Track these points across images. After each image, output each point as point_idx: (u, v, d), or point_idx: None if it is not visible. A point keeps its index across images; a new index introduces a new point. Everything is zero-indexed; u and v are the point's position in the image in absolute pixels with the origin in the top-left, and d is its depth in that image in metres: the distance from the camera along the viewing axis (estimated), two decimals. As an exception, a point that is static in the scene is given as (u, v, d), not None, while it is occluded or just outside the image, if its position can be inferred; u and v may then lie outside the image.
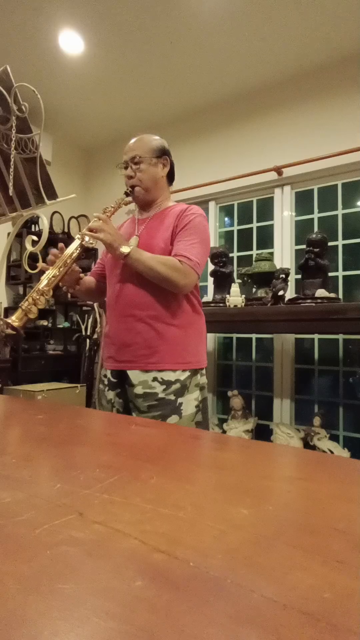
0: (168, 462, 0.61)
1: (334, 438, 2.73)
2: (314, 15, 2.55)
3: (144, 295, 1.31)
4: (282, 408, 3.05)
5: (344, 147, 2.81)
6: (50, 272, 1.25)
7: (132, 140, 1.42)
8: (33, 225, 3.64)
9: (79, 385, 3.44)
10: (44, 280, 1.23)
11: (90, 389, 3.61)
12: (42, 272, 1.29)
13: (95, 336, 3.75)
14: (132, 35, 2.77)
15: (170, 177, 1.46)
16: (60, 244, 1.30)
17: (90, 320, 3.84)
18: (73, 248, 1.28)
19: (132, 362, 1.31)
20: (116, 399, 1.37)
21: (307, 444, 2.63)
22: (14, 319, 1.16)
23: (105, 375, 1.42)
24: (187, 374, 1.31)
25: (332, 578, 0.32)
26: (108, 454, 0.66)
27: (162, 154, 1.41)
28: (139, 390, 1.29)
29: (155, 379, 1.28)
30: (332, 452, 2.51)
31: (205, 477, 0.55)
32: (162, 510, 0.43)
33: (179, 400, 1.28)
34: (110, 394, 1.38)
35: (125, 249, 1.26)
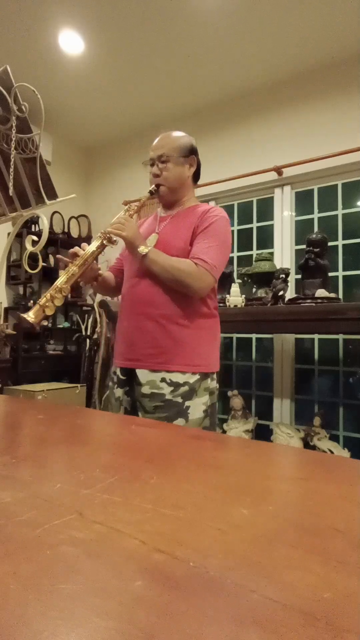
0: (168, 462, 0.61)
1: (334, 438, 2.73)
2: (314, 15, 2.55)
3: (158, 293, 1.29)
4: (282, 408, 3.05)
5: (344, 147, 2.81)
6: (70, 269, 1.25)
7: (160, 137, 1.39)
8: (33, 225, 3.64)
9: (79, 385, 3.44)
10: (62, 277, 1.23)
11: (90, 389, 3.61)
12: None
13: (95, 336, 3.75)
14: (132, 35, 2.77)
15: (196, 176, 1.44)
16: (84, 244, 1.31)
17: (90, 320, 3.84)
18: (94, 247, 1.28)
19: (139, 360, 1.30)
20: (124, 397, 1.36)
21: (307, 444, 2.63)
22: (31, 315, 1.16)
23: (115, 373, 1.41)
24: (197, 377, 1.29)
25: (332, 578, 0.32)
26: (108, 454, 0.66)
27: (190, 153, 1.38)
28: (146, 389, 1.27)
29: (163, 380, 1.26)
30: (332, 452, 2.51)
31: (205, 477, 0.55)
32: (162, 510, 0.43)
33: (187, 403, 1.26)
34: (119, 392, 1.37)
35: (143, 250, 1.26)
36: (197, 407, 1.28)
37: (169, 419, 1.24)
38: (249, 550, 0.36)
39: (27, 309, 3.63)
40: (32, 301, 3.71)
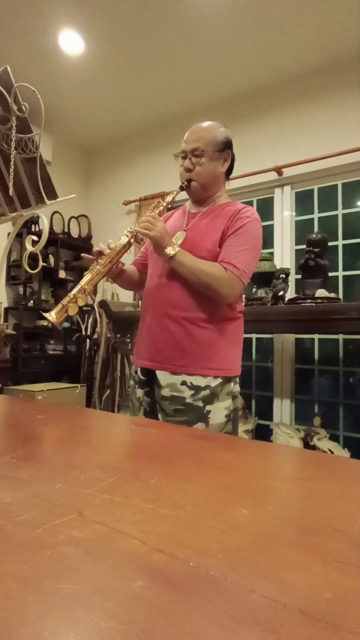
0: (168, 462, 0.61)
1: (334, 438, 2.73)
2: (314, 16, 2.55)
3: (183, 295, 1.25)
4: (282, 408, 3.05)
5: (344, 147, 2.81)
6: (95, 269, 1.23)
7: (195, 128, 1.31)
8: (33, 225, 3.64)
9: (79, 385, 3.44)
10: (87, 276, 1.21)
11: (90, 389, 3.61)
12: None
13: (95, 336, 3.75)
14: (132, 35, 2.77)
15: (229, 171, 1.37)
16: (109, 241, 1.27)
17: (90, 320, 3.84)
18: (121, 246, 1.25)
19: (160, 362, 1.26)
20: (144, 398, 1.32)
21: (307, 444, 2.63)
22: (53, 315, 1.15)
23: (135, 372, 1.37)
24: (219, 380, 1.24)
25: (332, 578, 0.32)
26: (108, 454, 0.66)
27: (225, 147, 1.30)
28: (166, 392, 1.24)
29: (184, 383, 1.22)
30: (332, 452, 2.51)
31: (205, 477, 0.55)
32: (162, 510, 0.43)
33: (207, 407, 1.22)
34: (139, 392, 1.34)
35: (170, 251, 1.21)
36: (219, 411, 1.24)
37: (189, 423, 1.20)
38: (249, 550, 0.36)
39: (27, 309, 3.65)
40: (32, 301, 3.71)
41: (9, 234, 1.32)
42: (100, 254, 1.26)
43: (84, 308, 4.08)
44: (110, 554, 0.35)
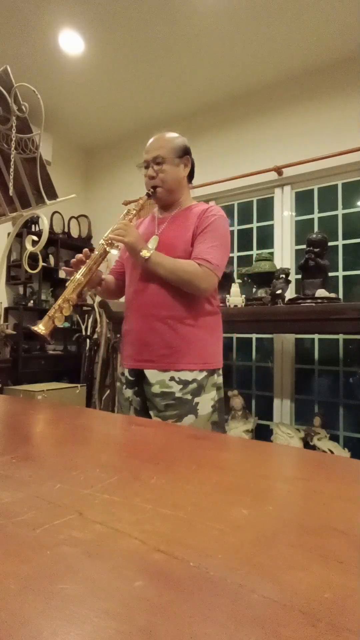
0: (168, 462, 0.61)
1: (334, 438, 2.73)
2: (313, 16, 2.55)
3: (164, 295, 1.31)
4: (282, 408, 3.05)
5: (344, 147, 2.81)
6: (75, 279, 1.28)
7: (153, 139, 1.41)
8: (33, 225, 3.64)
9: (79, 385, 3.44)
10: (70, 287, 1.26)
11: (90, 389, 3.61)
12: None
13: (95, 336, 3.75)
14: (132, 35, 2.77)
15: (191, 176, 1.45)
16: (86, 250, 1.32)
17: (90, 320, 3.84)
18: (98, 255, 1.31)
19: (150, 361, 1.32)
20: (134, 397, 1.38)
21: (307, 444, 2.63)
22: (41, 327, 1.19)
23: (122, 374, 1.43)
24: (204, 374, 1.32)
25: (332, 578, 0.32)
26: (108, 454, 0.66)
27: (184, 153, 1.39)
28: (156, 389, 1.30)
29: (172, 379, 1.29)
30: (332, 452, 2.51)
31: (205, 477, 0.55)
32: (162, 510, 0.43)
33: (196, 399, 1.29)
34: (128, 392, 1.39)
35: (146, 254, 1.27)
36: (206, 403, 1.31)
37: (180, 416, 1.27)
38: (249, 550, 0.36)
39: (27, 309, 3.64)
40: (32, 301, 3.71)
41: (9, 234, 1.32)
42: (77, 264, 1.31)
43: (84, 308, 4.08)
44: (110, 554, 0.35)
